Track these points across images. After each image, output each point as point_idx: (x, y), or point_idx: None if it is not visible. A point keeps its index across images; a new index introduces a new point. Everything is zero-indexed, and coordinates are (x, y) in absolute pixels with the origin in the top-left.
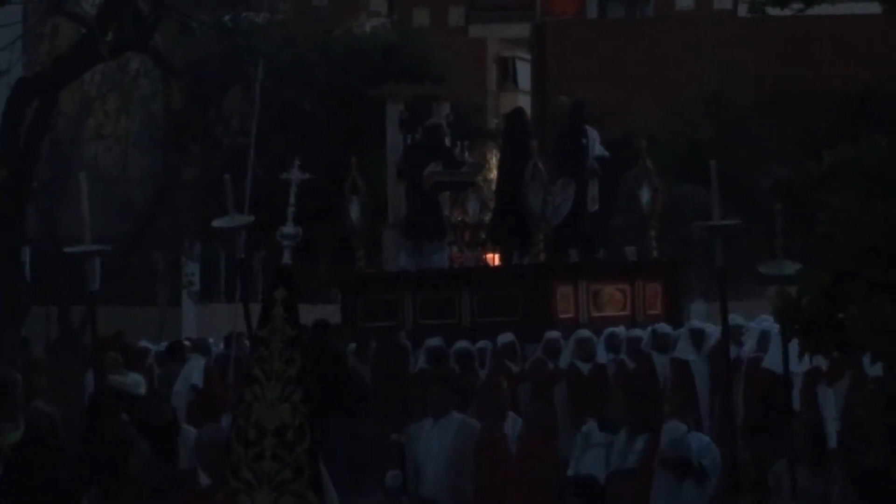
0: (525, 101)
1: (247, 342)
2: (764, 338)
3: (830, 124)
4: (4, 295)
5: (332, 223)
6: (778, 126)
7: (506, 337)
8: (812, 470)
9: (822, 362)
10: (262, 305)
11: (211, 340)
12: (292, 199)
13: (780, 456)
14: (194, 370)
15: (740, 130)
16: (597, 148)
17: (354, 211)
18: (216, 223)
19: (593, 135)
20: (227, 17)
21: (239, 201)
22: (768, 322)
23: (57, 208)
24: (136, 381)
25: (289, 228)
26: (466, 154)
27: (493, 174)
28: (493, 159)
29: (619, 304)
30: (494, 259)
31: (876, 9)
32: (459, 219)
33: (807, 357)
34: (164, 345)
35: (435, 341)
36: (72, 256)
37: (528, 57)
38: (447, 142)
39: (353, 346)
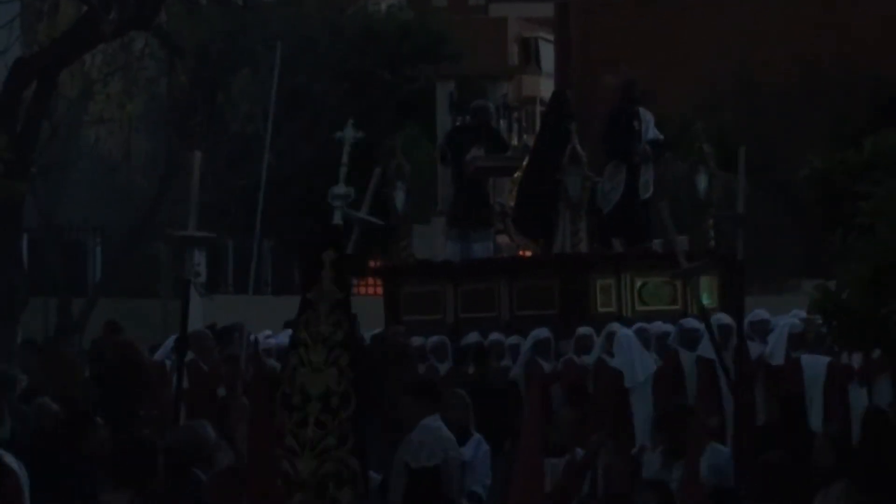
0: (548, 84)
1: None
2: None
3: (869, 110)
4: (2, 288)
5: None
6: (814, 111)
7: (540, 332)
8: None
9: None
10: (307, 267)
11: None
12: (345, 159)
13: (797, 476)
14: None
15: (775, 116)
16: (651, 131)
17: (399, 197)
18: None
19: (647, 117)
20: None
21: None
22: (796, 319)
23: (56, 195)
24: None
25: (340, 188)
26: (525, 137)
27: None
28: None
29: (668, 297)
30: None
31: None
32: (512, 204)
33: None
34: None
35: (472, 337)
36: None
37: (552, 37)
38: (501, 123)
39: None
